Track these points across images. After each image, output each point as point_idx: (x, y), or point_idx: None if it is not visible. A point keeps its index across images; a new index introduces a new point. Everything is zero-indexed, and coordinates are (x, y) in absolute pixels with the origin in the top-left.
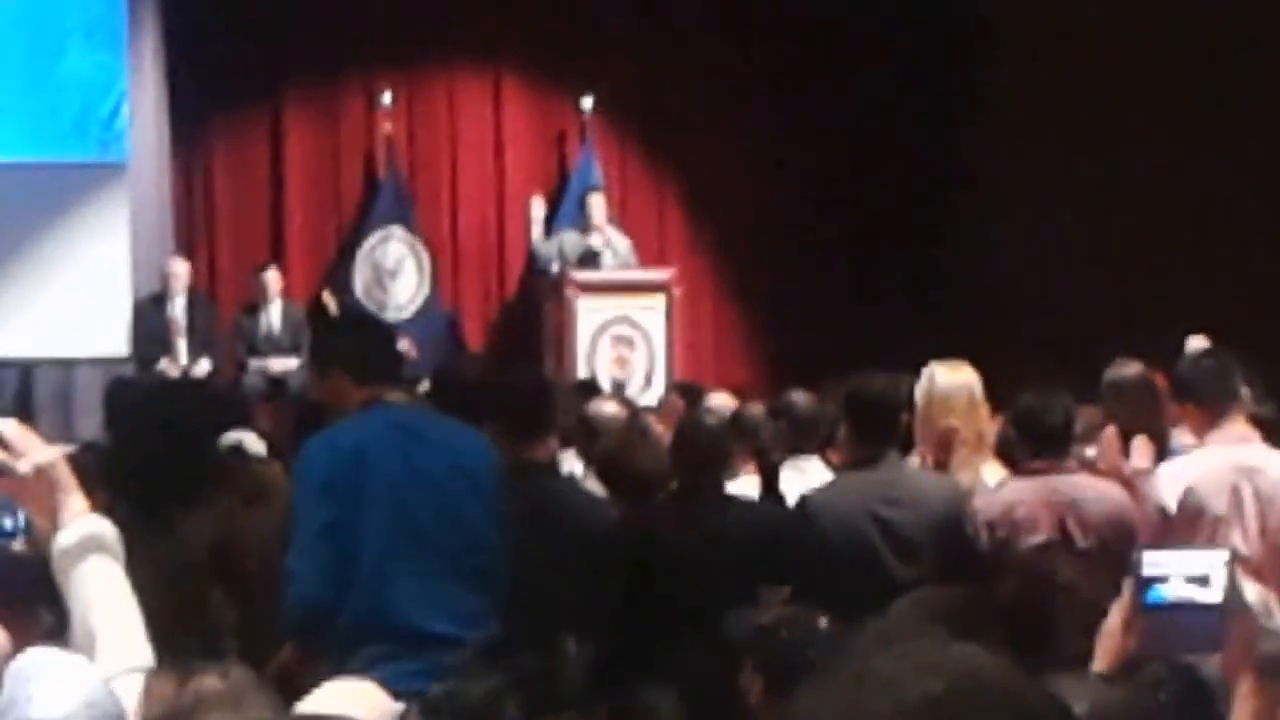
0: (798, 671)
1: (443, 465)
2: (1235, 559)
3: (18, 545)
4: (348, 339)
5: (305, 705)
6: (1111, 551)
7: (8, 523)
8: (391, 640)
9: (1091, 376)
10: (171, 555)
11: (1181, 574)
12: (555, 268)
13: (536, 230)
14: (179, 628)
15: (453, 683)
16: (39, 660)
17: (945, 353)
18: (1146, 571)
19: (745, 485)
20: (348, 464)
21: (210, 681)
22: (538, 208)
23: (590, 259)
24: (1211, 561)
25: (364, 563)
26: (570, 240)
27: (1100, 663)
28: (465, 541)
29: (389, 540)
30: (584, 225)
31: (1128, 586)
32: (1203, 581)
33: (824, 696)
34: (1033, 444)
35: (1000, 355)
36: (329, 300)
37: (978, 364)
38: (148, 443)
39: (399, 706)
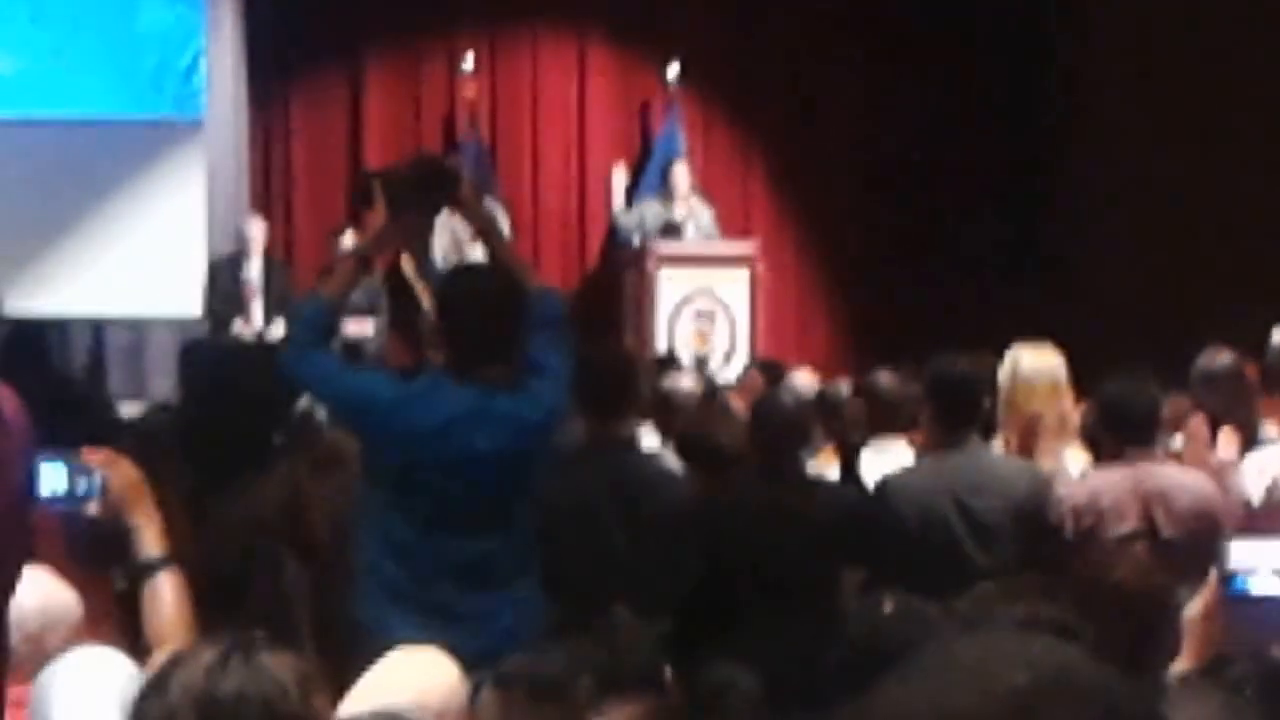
0: (876, 655)
1: (497, 447)
2: None
3: (92, 508)
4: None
5: (370, 675)
6: (1197, 543)
7: (82, 485)
8: (424, 613)
9: (1181, 364)
10: (242, 520)
11: (1267, 567)
12: (636, 239)
13: (618, 200)
14: (249, 593)
15: (527, 656)
16: (70, 668)
17: (1033, 334)
18: (1232, 564)
19: (825, 465)
20: (416, 438)
21: (202, 658)
22: (619, 177)
23: (672, 230)
24: None
25: (403, 535)
26: (652, 211)
27: (1187, 657)
28: (503, 526)
29: (430, 519)
30: (666, 195)
31: (1212, 579)
32: None
33: (906, 686)
34: (1119, 432)
35: (1088, 339)
36: (407, 265)
37: (1065, 347)
38: (220, 406)
39: (457, 677)
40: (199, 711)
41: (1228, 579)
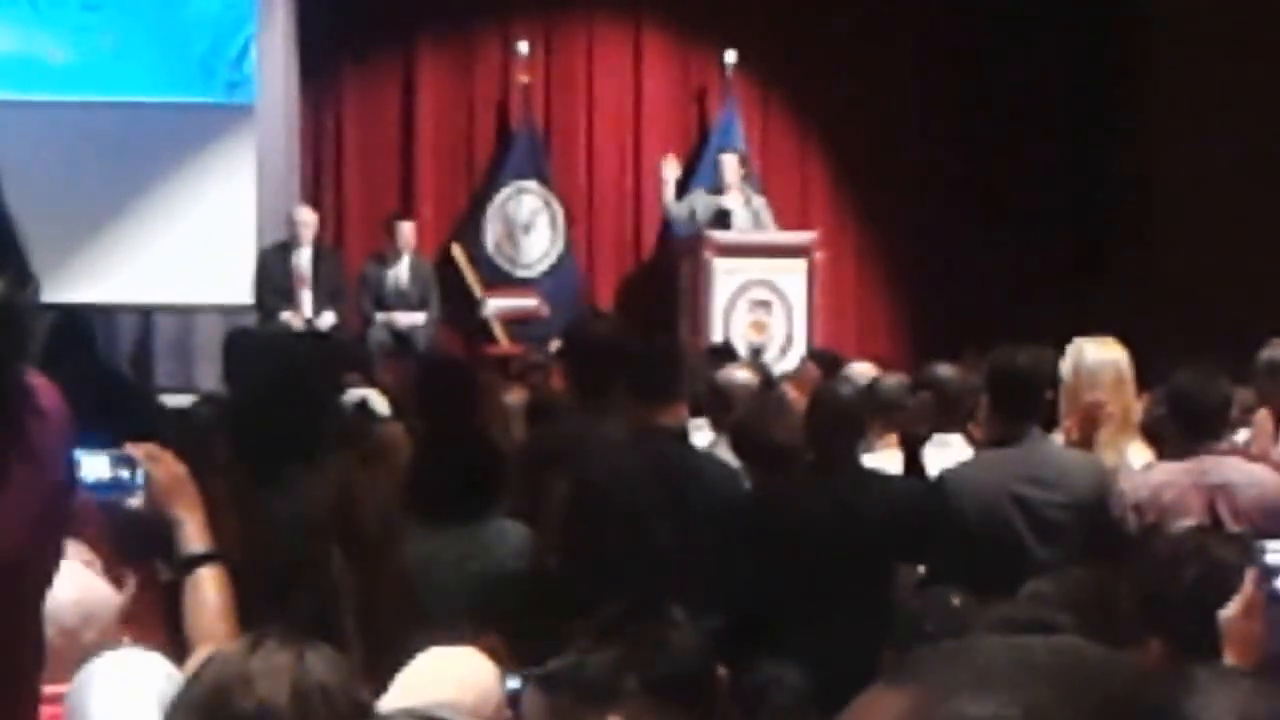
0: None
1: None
2: None
3: (135, 501)
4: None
5: (407, 672)
6: (1263, 538)
7: (124, 476)
8: None
9: (1244, 356)
10: (290, 513)
11: None
12: (688, 230)
13: (668, 191)
14: (296, 586)
15: (572, 655)
16: (108, 668)
17: (1095, 328)
18: (1270, 560)
19: (885, 459)
20: None
21: (281, 657)
22: (669, 169)
23: (722, 219)
24: None
25: None
26: (702, 201)
27: (1232, 657)
28: None
29: None
30: (718, 186)
31: (1250, 577)
32: None
33: (980, 691)
34: (1186, 426)
35: (1151, 332)
36: (458, 254)
37: (1128, 340)
38: (267, 397)
39: (494, 675)
40: (295, 702)
41: (1266, 577)
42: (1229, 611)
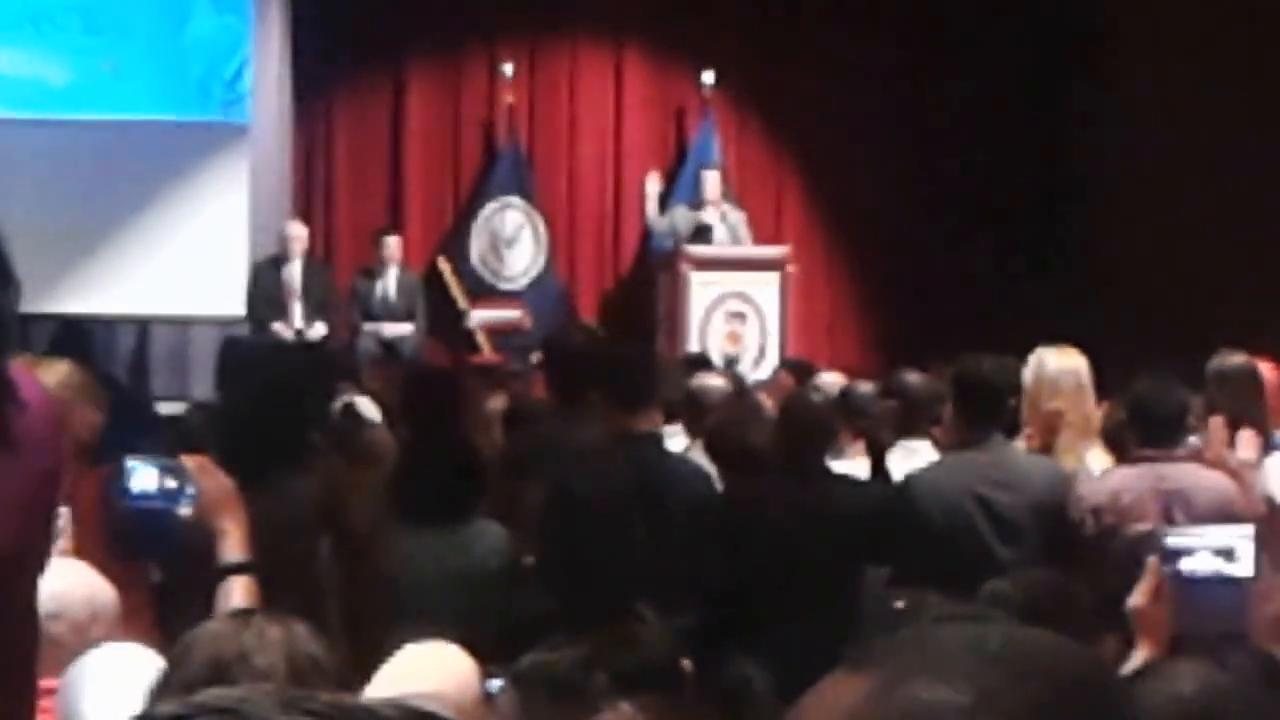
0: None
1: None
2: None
3: (185, 511)
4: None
5: (388, 667)
6: None
7: (170, 486)
8: None
9: (1202, 365)
10: (279, 515)
11: (1207, 548)
12: (669, 244)
13: (651, 206)
14: (283, 584)
15: (545, 653)
16: (102, 661)
17: (1059, 337)
18: (1172, 545)
19: (854, 465)
20: None
21: (272, 631)
22: (653, 184)
23: (702, 234)
24: (1236, 536)
25: None
26: (682, 216)
27: (1143, 645)
28: None
29: None
30: (697, 201)
31: (1152, 564)
32: (1228, 555)
33: (935, 678)
34: (1145, 432)
35: (1112, 341)
36: (445, 267)
37: (1089, 349)
38: (258, 404)
39: (473, 670)
40: (291, 673)
41: (1168, 561)
42: (1136, 600)
